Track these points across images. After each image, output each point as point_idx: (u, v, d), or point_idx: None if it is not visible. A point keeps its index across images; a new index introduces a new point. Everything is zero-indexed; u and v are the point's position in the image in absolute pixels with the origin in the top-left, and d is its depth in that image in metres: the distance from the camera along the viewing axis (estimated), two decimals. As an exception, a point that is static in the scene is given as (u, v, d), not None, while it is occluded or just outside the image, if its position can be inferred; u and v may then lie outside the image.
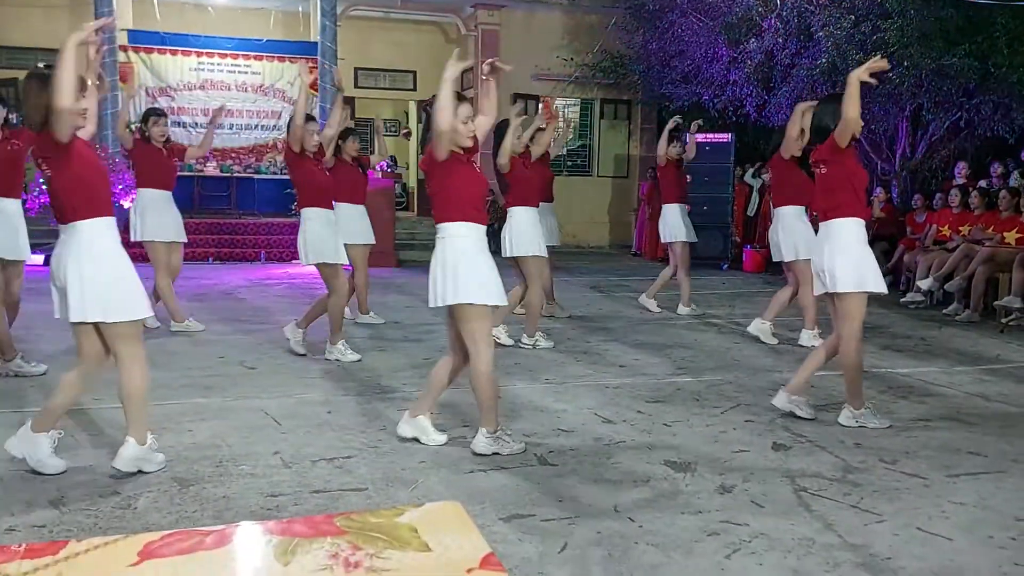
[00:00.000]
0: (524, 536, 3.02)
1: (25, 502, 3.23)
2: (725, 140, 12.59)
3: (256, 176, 13.77)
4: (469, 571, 1.24)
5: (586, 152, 15.95)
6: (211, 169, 13.48)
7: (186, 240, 6.86)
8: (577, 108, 15.76)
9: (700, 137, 12.51)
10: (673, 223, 7.80)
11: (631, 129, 15.95)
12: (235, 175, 13.68)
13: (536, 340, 6.35)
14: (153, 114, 6.71)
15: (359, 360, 5.75)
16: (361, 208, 6.86)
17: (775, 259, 6.69)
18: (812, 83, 10.27)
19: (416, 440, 4.01)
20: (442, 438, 4.01)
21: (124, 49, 12.83)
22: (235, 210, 13.37)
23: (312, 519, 1.38)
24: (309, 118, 5.73)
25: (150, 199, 6.53)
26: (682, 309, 8.03)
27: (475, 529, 1.35)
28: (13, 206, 5.24)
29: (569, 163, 15.73)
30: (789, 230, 6.34)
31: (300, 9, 14.14)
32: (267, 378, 5.30)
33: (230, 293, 8.93)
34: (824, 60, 9.93)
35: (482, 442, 3.86)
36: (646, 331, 7.18)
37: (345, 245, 6.01)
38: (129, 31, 13.12)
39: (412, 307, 8.05)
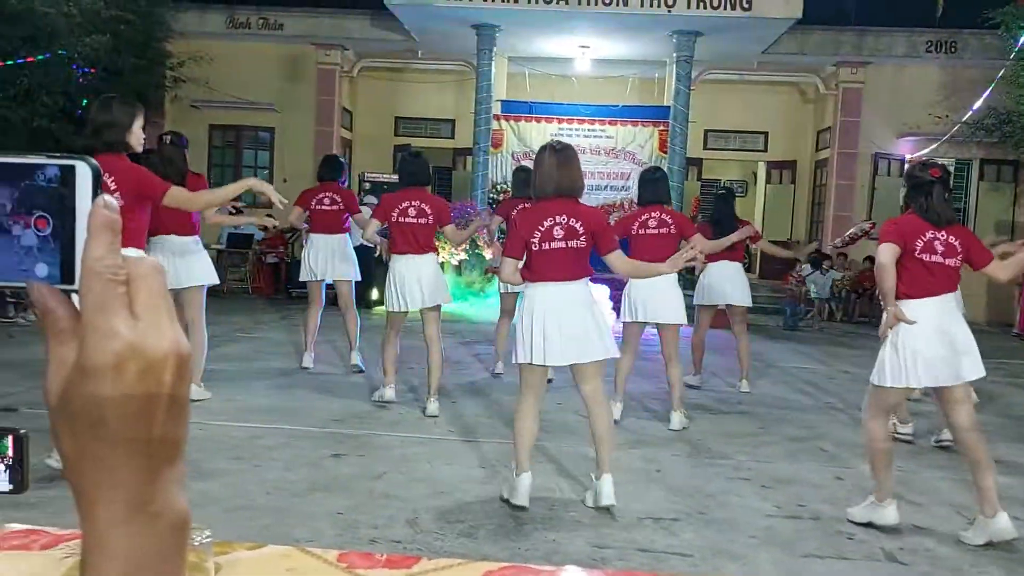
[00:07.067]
0: (864, 637, 2.73)
1: (388, 517, 3.64)
2: None
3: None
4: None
5: (961, 217, 14.33)
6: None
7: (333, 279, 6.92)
8: (952, 168, 14.29)
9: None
10: None
11: (1017, 192, 14.05)
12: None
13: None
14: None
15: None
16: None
17: None
18: None
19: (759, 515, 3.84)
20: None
21: (497, 118, 14.24)
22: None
23: (633, 574, 1.38)
24: None
25: (312, 241, 6.91)
26: None
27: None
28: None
29: (939, 228, 14.28)
30: None
31: (656, 75, 14.63)
32: (601, 430, 5.42)
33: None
34: None
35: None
36: (1029, 424, 6.17)
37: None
38: (502, 102, 14.55)
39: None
